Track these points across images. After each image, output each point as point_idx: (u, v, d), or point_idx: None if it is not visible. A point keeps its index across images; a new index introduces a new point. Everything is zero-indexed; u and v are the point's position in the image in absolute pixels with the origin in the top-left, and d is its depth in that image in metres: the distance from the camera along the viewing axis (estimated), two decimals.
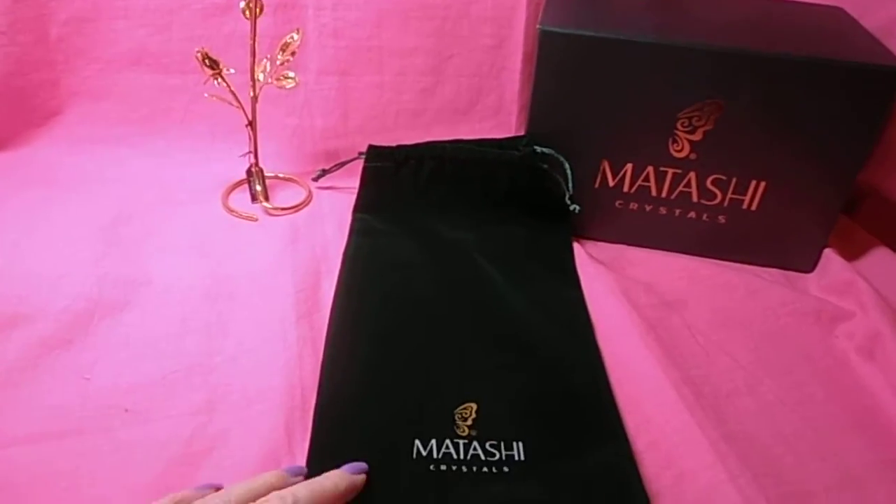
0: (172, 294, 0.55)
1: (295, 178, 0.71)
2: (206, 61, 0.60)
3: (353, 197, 0.67)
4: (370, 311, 0.52)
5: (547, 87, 0.56)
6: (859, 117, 0.53)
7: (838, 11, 0.64)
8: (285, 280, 0.56)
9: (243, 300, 0.55)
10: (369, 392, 0.46)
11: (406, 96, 0.78)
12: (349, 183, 0.70)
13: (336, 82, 0.76)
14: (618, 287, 0.55)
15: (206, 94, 0.62)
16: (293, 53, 0.63)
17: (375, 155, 0.66)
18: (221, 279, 0.57)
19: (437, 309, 0.53)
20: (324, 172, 0.70)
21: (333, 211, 0.67)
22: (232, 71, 0.61)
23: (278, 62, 0.63)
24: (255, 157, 0.66)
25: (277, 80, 0.63)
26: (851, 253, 0.61)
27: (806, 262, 0.61)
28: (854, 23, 0.61)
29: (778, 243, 0.60)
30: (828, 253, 0.60)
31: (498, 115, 0.81)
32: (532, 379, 0.47)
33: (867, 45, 0.55)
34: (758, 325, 0.54)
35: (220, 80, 0.61)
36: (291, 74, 0.63)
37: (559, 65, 0.55)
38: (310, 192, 0.69)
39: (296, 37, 0.63)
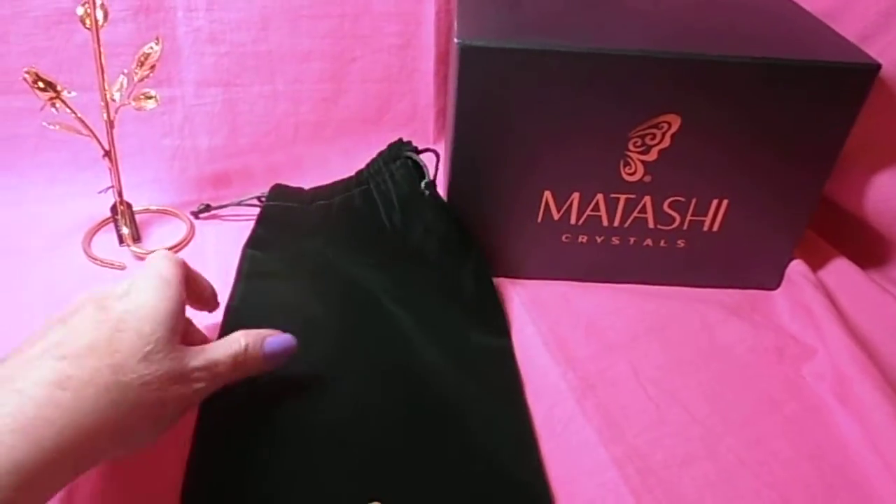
0: None
1: (173, 210, 0.61)
2: (39, 84, 0.49)
3: (245, 231, 0.57)
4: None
5: (473, 112, 0.46)
6: (829, 121, 0.46)
7: None
8: None
9: None
10: (249, 491, 0.36)
11: (304, 107, 0.68)
12: (240, 213, 0.60)
13: (220, 94, 0.66)
14: (553, 336, 0.47)
15: (43, 123, 0.51)
16: (153, 67, 0.52)
17: (279, 194, 0.57)
18: None
19: (337, 376, 0.43)
20: (208, 208, 0.59)
21: (220, 250, 0.56)
22: (73, 94, 0.50)
23: (136, 79, 0.52)
24: (119, 192, 0.55)
25: (136, 100, 0.52)
26: (813, 266, 0.55)
27: (771, 280, 0.54)
28: (799, 9, 0.54)
29: (741, 263, 0.53)
30: (793, 266, 0.54)
31: (412, 123, 0.72)
32: (450, 463, 0.39)
33: (829, 39, 0.48)
34: (715, 367, 0.47)
35: (59, 104, 0.50)
36: (153, 93, 0.52)
37: (486, 84, 0.45)
38: (191, 226, 0.59)
39: (155, 47, 0.52)
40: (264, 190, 0.59)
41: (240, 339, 0.36)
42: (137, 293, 0.34)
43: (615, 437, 0.41)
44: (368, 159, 0.66)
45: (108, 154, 0.53)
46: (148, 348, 0.32)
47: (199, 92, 0.65)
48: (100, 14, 0.48)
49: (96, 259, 0.54)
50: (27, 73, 0.48)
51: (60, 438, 0.27)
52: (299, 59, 0.67)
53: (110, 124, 0.52)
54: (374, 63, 0.69)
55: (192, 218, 0.60)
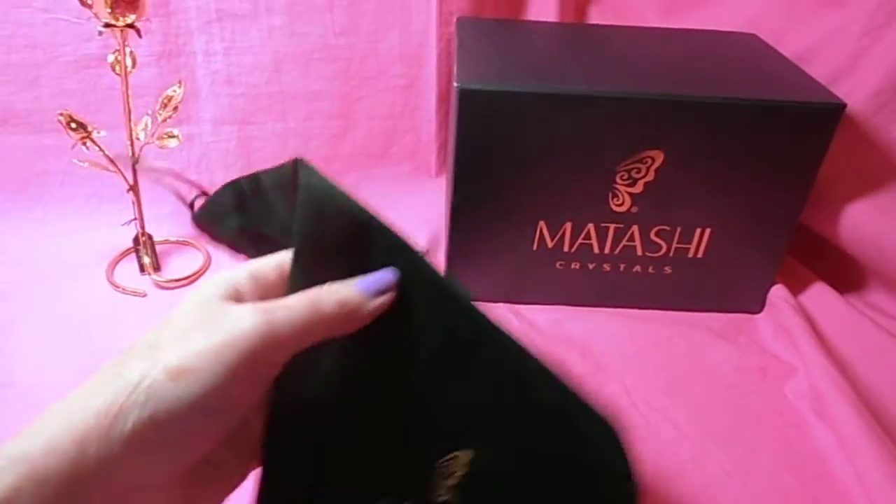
0: (37, 396, 0.47)
1: (192, 241, 0.64)
2: (72, 124, 0.53)
3: None
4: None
5: (472, 149, 0.50)
6: (801, 155, 0.50)
7: (754, 39, 0.62)
8: None
9: None
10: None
11: (314, 143, 0.72)
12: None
13: (235, 132, 0.70)
14: (550, 354, 0.50)
15: (74, 161, 0.55)
16: (175, 109, 0.56)
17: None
18: None
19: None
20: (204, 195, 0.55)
21: None
22: (102, 133, 0.54)
23: (160, 119, 0.56)
24: (141, 224, 0.59)
25: (160, 139, 0.56)
26: (794, 290, 0.58)
27: (754, 304, 0.58)
28: (774, 52, 0.59)
29: (726, 288, 0.57)
30: (775, 291, 0.57)
31: (416, 157, 0.76)
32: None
33: (800, 80, 0.52)
34: (702, 386, 0.50)
35: (89, 143, 0.54)
36: (175, 132, 0.56)
37: (483, 124, 0.49)
38: (208, 256, 0.62)
39: (178, 90, 0.56)
40: None
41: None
42: None
43: None
44: (375, 192, 0.69)
45: (132, 189, 0.57)
46: (166, 320, 0.28)
47: (216, 130, 0.69)
48: (129, 61, 0.52)
49: (118, 287, 0.58)
50: (61, 115, 0.52)
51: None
52: (309, 98, 0.71)
53: (135, 161, 0.56)
54: (380, 102, 0.73)
55: (209, 248, 0.63)
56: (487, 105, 0.48)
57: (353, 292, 0.28)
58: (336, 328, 0.28)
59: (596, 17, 0.76)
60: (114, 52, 0.52)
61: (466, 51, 0.54)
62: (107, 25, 0.50)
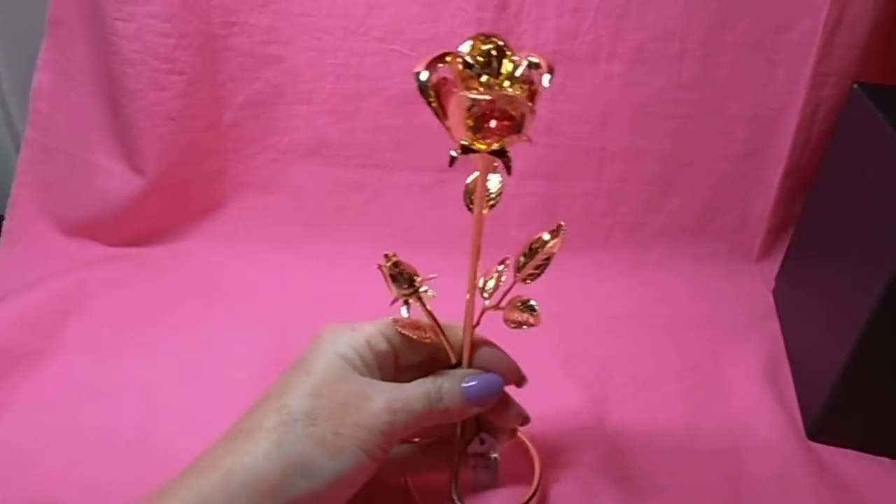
0: None
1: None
2: (396, 275, 0.34)
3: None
4: None
5: None
6: None
7: None
8: None
9: None
10: None
11: (624, 208, 0.63)
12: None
13: (541, 187, 0.62)
14: None
15: (390, 319, 0.35)
16: (547, 260, 0.34)
17: None
18: None
19: None
20: None
21: None
22: (432, 293, 0.35)
23: (519, 276, 0.35)
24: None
25: (510, 311, 0.35)
26: None
27: None
28: None
29: None
30: None
31: (737, 237, 0.64)
32: None
33: None
34: None
35: (412, 301, 0.35)
36: (535, 306, 0.34)
37: None
38: (539, 461, 0.41)
39: (553, 241, 0.34)
40: None
41: (436, 379, 0.34)
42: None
43: None
44: (683, 272, 0.59)
45: (457, 365, 0.36)
46: (315, 383, 0.32)
47: (521, 182, 0.62)
48: (493, 188, 0.34)
49: None
50: (386, 260, 0.34)
51: (229, 475, 0.29)
52: (631, 157, 0.61)
53: (471, 327, 0.35)
54: (710, 169, 0.62)
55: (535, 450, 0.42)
56: None
57: (461, 398, 0.34)
58: (455, 416, 0.35)
59: None
60: (473, 178, 0.34)
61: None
62: (465, 150, 0.30)
